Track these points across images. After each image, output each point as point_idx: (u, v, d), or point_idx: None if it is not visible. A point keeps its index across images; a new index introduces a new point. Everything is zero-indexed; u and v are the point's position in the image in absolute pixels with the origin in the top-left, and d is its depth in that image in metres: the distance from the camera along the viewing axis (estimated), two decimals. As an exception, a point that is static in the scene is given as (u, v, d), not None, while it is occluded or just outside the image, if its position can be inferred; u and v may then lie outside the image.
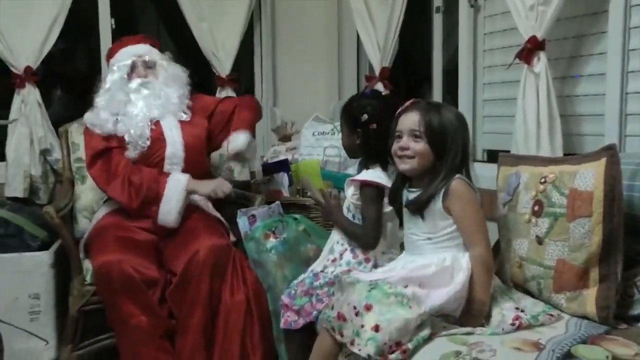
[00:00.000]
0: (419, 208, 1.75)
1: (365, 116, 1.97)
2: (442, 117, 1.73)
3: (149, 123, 2.46)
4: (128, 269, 2.21)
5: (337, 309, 1.67)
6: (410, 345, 1.57)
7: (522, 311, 1.70)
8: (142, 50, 2.56)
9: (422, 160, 1.75)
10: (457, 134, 1.73)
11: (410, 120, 1.76)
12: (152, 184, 2.38)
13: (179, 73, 2.60)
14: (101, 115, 2.46)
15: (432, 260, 1.72)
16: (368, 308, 1.60)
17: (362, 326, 1.58)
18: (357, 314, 1.61)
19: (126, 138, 2.43)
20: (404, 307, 1.59)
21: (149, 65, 2.54)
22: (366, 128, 1.98)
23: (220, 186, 2.46)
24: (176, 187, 2.39)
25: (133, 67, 2.53)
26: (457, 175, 1.72)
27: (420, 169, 1.76)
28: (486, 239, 1.73)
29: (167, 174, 2.44)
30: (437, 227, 1.74)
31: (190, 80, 2.63)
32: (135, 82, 2.51)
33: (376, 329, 1.56)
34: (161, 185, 2.39)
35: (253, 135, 2.62)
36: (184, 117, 2.55)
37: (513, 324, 1.62)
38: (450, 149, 1.72)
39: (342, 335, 1.64)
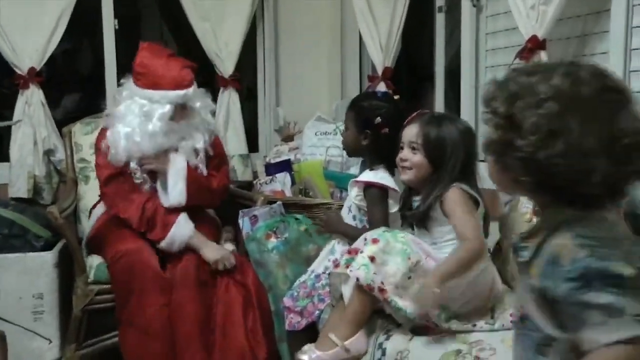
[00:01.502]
0: (420, 220, 1.80)
1: (379, 119, 1.97)
2: (441, 130, 1.76)
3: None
4: (149, 258, 2.22)
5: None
6: (389, 297, 1.66)
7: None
8: (183, 98, 2.32)
9: (419, 171, 1.79)
10: (457, 147, 1.75)
11: (411, 132, 1.80)
12: (158, 222, 2.30)
13: (209, 117, 2.50)
14: (121, 143, 2.29)
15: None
16: (374, 241, 1.72)
17: (362, 252, 1.71)
18: (364, 244, 1.74)
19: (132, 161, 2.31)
20: (404, 257, 1.67)
21: (184, 107, 2.36)
22: (377, 131, 1.98)
23: (226, 259, 2.29)
24: (180, 235, 2.29)
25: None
26: (455, 184, 1.73)
27: (417, 180, 1.81)
28: (475, 233, 1.69)
29: (177, 215, 2.31)
30: (439, 234, 1.79)
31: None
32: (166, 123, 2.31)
33: (372, 259, 1.68)
34: (167, 229, 2.28)
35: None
36: (200, 167, 2.43)
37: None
38: (448, 162, 1.74)
39: (337, 266, 1.79)
